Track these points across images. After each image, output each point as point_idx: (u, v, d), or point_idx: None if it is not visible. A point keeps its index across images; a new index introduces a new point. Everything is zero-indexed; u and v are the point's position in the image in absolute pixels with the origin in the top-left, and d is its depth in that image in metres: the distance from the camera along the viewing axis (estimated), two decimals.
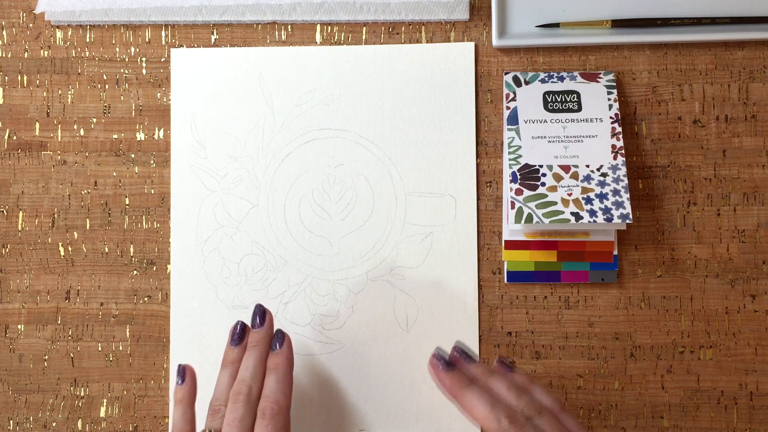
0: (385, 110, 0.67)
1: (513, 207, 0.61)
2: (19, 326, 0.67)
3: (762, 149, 0.66)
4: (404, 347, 0.65)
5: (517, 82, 0.66)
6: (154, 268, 0.67)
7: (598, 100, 0.65)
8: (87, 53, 0.69)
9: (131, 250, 0.67)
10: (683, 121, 0.67)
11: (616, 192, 0.61)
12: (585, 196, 0.61)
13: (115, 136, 0.68)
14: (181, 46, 0.69)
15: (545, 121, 0.64)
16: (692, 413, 0.65)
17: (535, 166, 0.63)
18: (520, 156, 0.63)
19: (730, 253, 0.65)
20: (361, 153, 0.67)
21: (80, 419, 0.67)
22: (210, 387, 0.66)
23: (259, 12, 0.68)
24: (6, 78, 0.69)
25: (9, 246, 0.68)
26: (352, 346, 0.66)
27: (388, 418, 0.65)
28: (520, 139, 0.64)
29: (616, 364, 0.65)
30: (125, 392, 0.67)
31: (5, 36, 0.69)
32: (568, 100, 0.65)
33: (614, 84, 0.66)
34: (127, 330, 0.67)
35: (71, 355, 0.67)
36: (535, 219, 0.61)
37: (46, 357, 0.67)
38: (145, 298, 0.67)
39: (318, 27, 0.68)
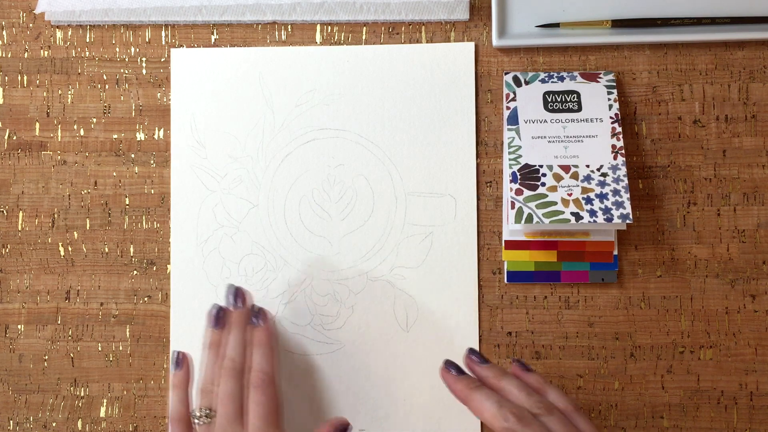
0: (385, 110, 0.67)
1: (513, 207, 0.61)
2: (19, 326, 0.67)
3: (762, 149, 0.66)
4: (404, 347, 0.65)
5: (517, 82, 0.66)
6: (154, 268, 0.67)
7: (598, 100, 0.65)
8: (87, 53, 0.69)
9: (131, 250, 0.67)
10: (683, 121, 0.67)
11: (616, 192, 0.61)
12: (585, 196, 0.61)
13: (115, 136, 0.68)
14: (181, 46, 0.69)
15: (545, 121, 0.64)
16: (692, 413, 0.65)
17: (535, 166, 0.63)
18: (520, 156, 0.63)
19: (730, 253, 0.65)
20: (361, 153, 0.67)
21: (80, 419, 0.67)
22: None
23: (259, 12, 0.68)
24: (6, 78, 0.69)
25: (9, 246, 0.68)
26: (352, 346, 0.66)
27: (388, 418, 0.65)
28: (520, 139, 0.64)
29: (616, 364, 0.65)
30: (125, 392, 0.67)
31: (5, 36, 0.69)
32: (568, 100, 0.65)
33: (614, 84, 0.66)
34: (127, 330, 0.67)
35: (71, 355, 0.67)
36: (535, 219, 0.61)
37: (46, 357, 0.67)
38: (145, 298, 0.67)
39: (318, 27, 0.68)
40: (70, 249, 0.68)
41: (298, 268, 0.66)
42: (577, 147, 0.63)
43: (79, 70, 0.69)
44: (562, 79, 0.66)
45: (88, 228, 0.68)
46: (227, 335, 0.58)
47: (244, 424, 0.53)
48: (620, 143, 0.63)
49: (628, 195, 0.61)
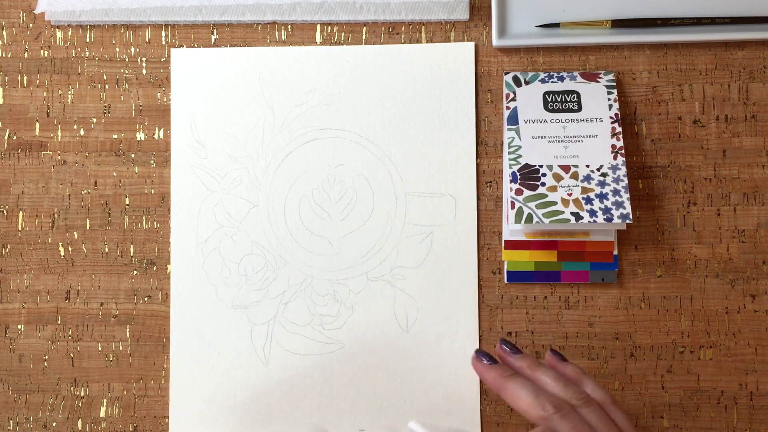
0: (385, 110, 0.67)
1: (513, 207, 0.61)
2: (19, 326, 0.67)
3: (762, 149, 0.66)
4: (404, 347, 0.65)
5: (517, 82, 0.66)
6: (154, 268, 0.67)
7: (598, 100, 0.65)
8: (87, 53, 0.69)
9: (131, 250, 0.67)
10: (683, 121, 0.67)
11: (616, 192, 0.61)
12: (585, 196, 0.61)
13: (115, 136, 0.68)
14: (181, 46, 0.69)
15: (545, 121, 0.64)
16: (692, 413, 0.65)
17: (535, 166, 0.63)
18: (520, 156, 0.63)
19: (730, 253, 0.65)
20: (361, 153, 0.67)
21: (80, 419, 0.67)
22: (209, 387, 0.66)
23: (259, 12, 0.68)
24: (6, 78, 0.69)
25: (9, 246, 0.68)
26: (352, 346, 0.66)
27: (388, 418, 0.65)
28: (520, 139, 0.64)
29: (616, 364, 0.65)
30: (125, 392, 0.67)
31: (5, 36, 0.69)
32: (568, 100, 0.65)
33: (614, 84, 0.66)
34: (127, 330, 0.67)
35: (71, 355, 0.67)
36: (535, 219, 0.61)
37: (46, 357, 0.67)
38: (145, 298, 0.67)
39: (318, 27, 0.68)
40: (70, 249, 0.68)
41: (298, 268, 0.66)
42: (577, 147, 0.63)
43: (79, 70, 0.69)
44: (562, 79, 0.66)
45: (88, 228, 0.68)
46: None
47: None
48: (620, 143, 0.63)
49: (628, 195, 0.61)
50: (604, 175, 0.62)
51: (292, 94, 0.67)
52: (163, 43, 0.69)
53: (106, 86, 0.68)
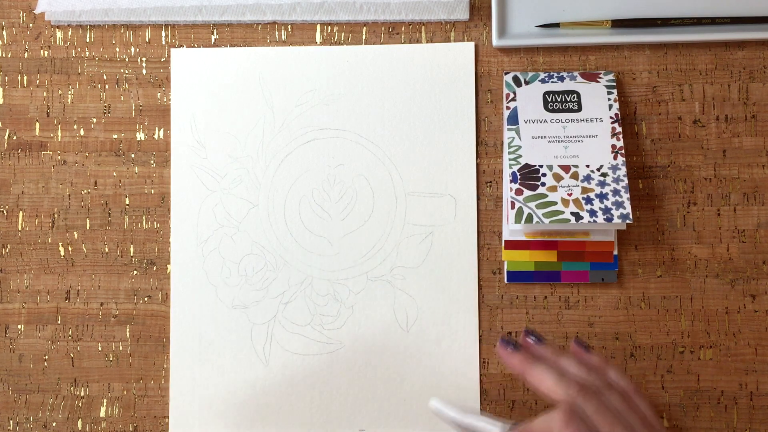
0: (385, 110, 0.67)
1: (513, 207, 0.61)
2: (19, 326, 0.67)
3: (762, 149, 0.66)
4: (404, 347, 0.65)
5: (517, 82, 0.66)
6: (154, 268, 0.67)
7: (598, 100, 0.65)
8: (87, 53, 0.69)
9: (131, 250, 0.67)
10: (683, 121, 0.67)
11: (616, 192, 0.61)
12: (585, 196, 0.61)
13: (115, 136, 0.68)
14: (181, 46, 0.69)
15: (545, 121, 0.64)
16: (692, 413, 0.65)
17: (535, 166, 0.63)
18: (520, 156, 0.63)
19: (730, 253, 0.65)
20: (361, 153, 0.67)
21: (80, 419, 0.67)
22: (209, 387, 0.66)
23: (259, 12, 0.68)
24: (6, 78, 0.69)
25: (9, 246, 0.68)
26: (352, 346, 0.66)
27: (388, 418, 0.65)
28: (520, 139, 0.64)
29: (616, 364, 0.65)
30: (125, 392, 0.67)
31: (5, 36, 0.69)
32: (568, 100, 0.65)
33: (614, 84, 0.66)
34: (127, 330, 0.67)
35: (71, 355, 0.67)
36: (535, 219, 0.61)
37: (46, 357, 0.67)
38: (145, 298, 0.67)
39: (318, 27, 0.68)
40: (70, 249, 0.68)
41: (298, 268, 0.66)
42: (577, 147, 0.63)
43: (79, 70, 0.69)
44: (562, 79, 0.66)
45: (88, 228, 0.68)
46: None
47: None
48: (620, 143, 0.63)
49: (628, 195, 0.61)
50: (604, 175, 0.62)
51: (292, 94, 0.67)
52: (163, 43, 0.69)
53: (106, 86, 0.68)
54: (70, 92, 0.69)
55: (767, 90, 0.66)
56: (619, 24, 0.66)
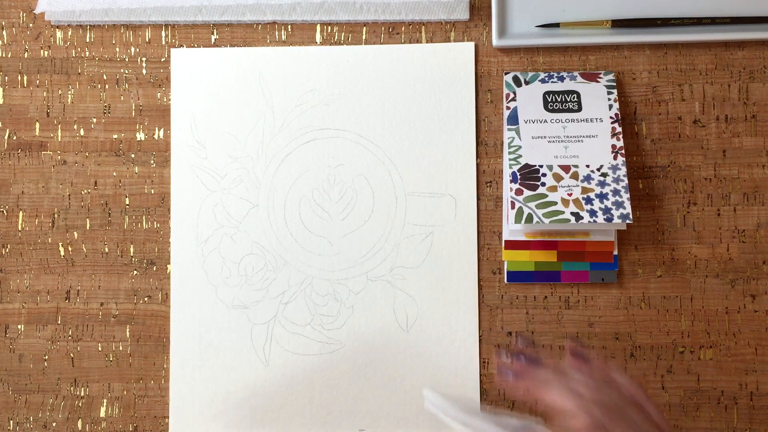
0: (385, 110, 0.67)
1: (513, 207, 0.61)
2: (19, 326, 0.67)
3: (762, 149, 0.66)
4: (404, 347, 0.65)
5: (517, 82, 0.66)
6: (154, 268, 0.67)
7: (598, 100, 0.65)
8: (87, 53, 0.69)
9: (131, 250, 0.67)
10: (683, 121, 0.67)
11: (616, 192, 0.61)
12: (585, 196, 0.61)
13: (115, 136, 0.68)
14: (181, 46, 0.69)
15: (545, 121, 0.64)
16: (692, 413, 0.65)
17: (535, 166, 0.63)
18: (520, 156, 0.63)
19: (730, 253, 0.65)
20: (361, 153, 0.67)
21: (80, 419, 0.67)
22: (209, 387, 0.66)
23: (259, 12, 0.68)
24: (6, 78, 0.69)
25: (9, 246, 0.68)
26: (352, 346, 0.66)
27: (388, 418, 0.65)
28: (520, 139, 0.64)
29: (616, 364, 0.65)
30: (125, 392, 0.67)
31: (5, 36, 0.69)
32: (568, 100, 0.65)
33: (614, 84, 0.66)
34: (127, 330, 0.67)
35: (71, 355, 0.67)
36: (535, 219, 0.61)
37: (46, 357, 0.67)
38: (145, 298, 0.67)
39: (318, 27, 0.68)
40: (70, 249, 0.68)
41: (298, 268, 0.66)
42: (577, 147, 0.63)
43: (79, 70, 0.69)
44: (562, 79, 0.66)
45: (88, 228, 0.68)
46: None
47: None
48: (620, 143, 0.63)
49: (628, 195, 0.61)
50: (604, 175, 0.62)
51: (292, 94, 0.67)
52: (163, 43, 0.69)
53: (106, 86, 0.68)
54: (70, 92, 0.69)
55: (767, 90, 0.66)
56: (619, 24, 0.66)
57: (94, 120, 0.68)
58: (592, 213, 0.61)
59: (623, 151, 0.63)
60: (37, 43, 0.69)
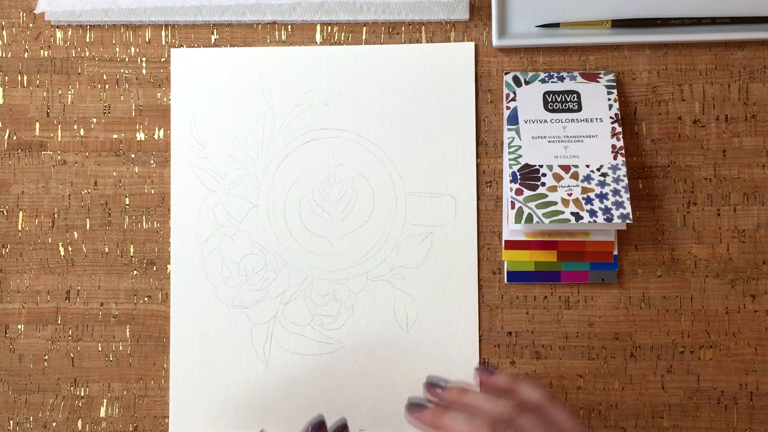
0: (385, 110, 0.67)
1: (513, 207, 0.61)
2: (19, 326, 0.67)
3: (762, 149, 0.66)
4: (404, 347, 0.65)
5: (517, 82, 0.66)
6: (154, 268, 0.67)
7: (598, 100, 0.65)
8: (87, 53, 0.69)
9: (131, 250, 0.67)
10: (683, 121, 0.67)
11: (616, 192, 0.61)
12: (585, 196, 0.61)
13: (115, 136, 0.68)
14: (181, 46, 0.69)
15: (545, 121, 0.64)
16: (692, 413, 0.65)
17: (535, 166, 0.63)
18: (520, 156, 0.63)
19: (730, 253, 0.65)
20: (361, 153, 0.67)
21: (80, 419, 0.67)
22: (210, 387, 0.66)
23: (259, 12, 0.68)
24: (6, 78, 0.69)
25: (9, 246, 0.68)
26: (352, 346, 0.66)
27: (388, 418, 0.65)
28: (520, 139, 0.64)
29: (616, 364, 0.65)
30: (125, 392, 0.67)
31: (5, 36, 0.69)
32: (568, 100, 0.65)
33: (614, 84, 0.66)
34: (127, 330, 0.67)
35: (71, 355, 0.67)
36: (535, 219, 0.61)
37: (46, 357, 0.67)
38: (145, 298, 0.67)
39: (318, 27, 0.68)
40: (70, 249, 0.68)
41: (298, 268, 0.66)
42: (577, 147, 0.63)
43: (79, 70, 0.69)
44: (562, 79, 0.66)
45: (88, 228, 0.68)
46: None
47: None
48: (620, 143, 0.63)
49: (628, 195, 0.61)
50: (604, 175, 0.62)
51: (292, 94, 0.67)
52: (163, 43, 0.69)
53: (106, 86, 0.68)
54: (70, 92, 0.69)
55: (767, 90, 0.66)
56: (619, 24, 0.66)
57: (94, 120, 0.68)
58: (592, 213, 0.61)
59: (623, 151, 0.63)
60: (37, 43, 0.69)
